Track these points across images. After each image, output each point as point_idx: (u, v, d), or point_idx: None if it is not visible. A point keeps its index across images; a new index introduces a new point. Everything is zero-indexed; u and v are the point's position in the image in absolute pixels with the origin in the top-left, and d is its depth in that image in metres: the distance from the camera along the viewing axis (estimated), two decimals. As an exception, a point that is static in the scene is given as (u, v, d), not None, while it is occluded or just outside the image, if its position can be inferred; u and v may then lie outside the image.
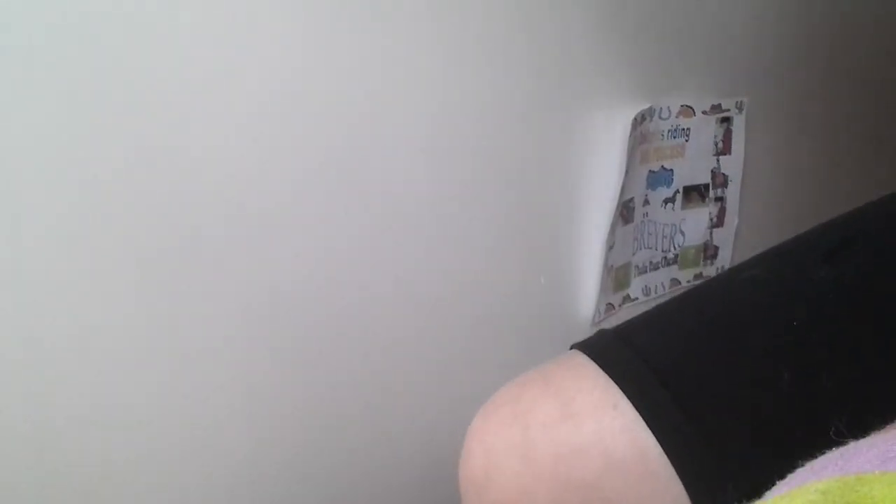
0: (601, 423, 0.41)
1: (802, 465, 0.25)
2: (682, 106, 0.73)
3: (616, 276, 0.74)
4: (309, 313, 0.59)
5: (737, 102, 0.76)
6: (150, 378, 0.54)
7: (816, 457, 0.25)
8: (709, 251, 0.80)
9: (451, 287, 0.65)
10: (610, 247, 0.71)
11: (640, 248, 0.75)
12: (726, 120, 0.76)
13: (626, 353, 0.43)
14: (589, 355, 0.44)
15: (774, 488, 0.25)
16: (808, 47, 0.80)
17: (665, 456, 0.39)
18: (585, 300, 0.72)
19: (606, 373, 0.42)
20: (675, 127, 0.73)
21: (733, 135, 0.77)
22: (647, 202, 0.74)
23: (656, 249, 0.77)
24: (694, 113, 0.74)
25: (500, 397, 0.45)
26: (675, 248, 0.78)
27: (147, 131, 0.50)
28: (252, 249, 0.55)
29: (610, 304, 0.74)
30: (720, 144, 0.77)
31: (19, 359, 0.50)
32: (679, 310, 0.47)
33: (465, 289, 0.66)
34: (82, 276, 0.50)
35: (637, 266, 0.76)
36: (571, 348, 0.46)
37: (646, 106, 0.69)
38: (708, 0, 0.72)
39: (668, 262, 0.78)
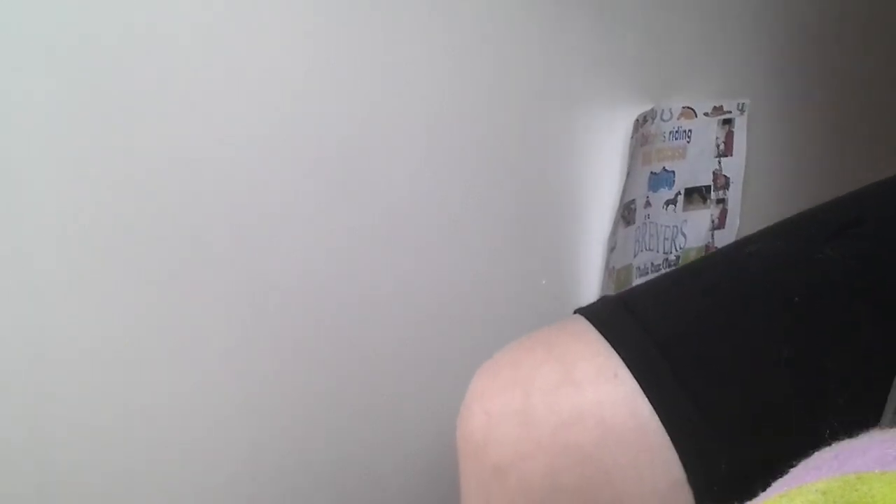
0: (601, 392, 0.41)
1: (795, 466, 0.25)
2: (683, 107, 0.73)
3: (617, 278, 0.74)
4: (309, 313, 0.59)
5: (738, 104, 0.76)
6: (150, 380, 0.54)
7: (810, 454, 0.25)
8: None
9: (451, 288, 0.65)
10: (611, 248, 0.71)
11: (642, 250, 0.75)
12: (728, 121, 0.76)
13: (629, 322, 0.43)
14: (592, 322, 0.44)
15: (770, 489, 0.25)
16: (809, 49, 0.80)
17: (662, 428, 0.40)
18: (587, 302, 0.72)
19: (608, 341, 0.42)
20: (676, 128, 0.73)
21: (735, 136, 0.77)
22: (648, 204, 0.74)
23: (658, 251, 0.76)
24: (695, 114, 0.74)
25: (502, 359, 0.45)
26: (676, 250, 0.78)
27: (148, 132, 0.50)
28: (253, 250, 0.55)
29: (611, 305, 0.74)
30: (722, 146, 0.76)
31: (20, 360, 0.50)
32: (683, 281, 0.47)
33: (465, 290, 0.66)
34: (82, 278, 0.50)
35: (638, 268, 0.75)
36: (575, 313, 0.46)
37: (647, 107, 0.69)
38: (709, 1, 0.72)
39: (669, 264, 0.78)
